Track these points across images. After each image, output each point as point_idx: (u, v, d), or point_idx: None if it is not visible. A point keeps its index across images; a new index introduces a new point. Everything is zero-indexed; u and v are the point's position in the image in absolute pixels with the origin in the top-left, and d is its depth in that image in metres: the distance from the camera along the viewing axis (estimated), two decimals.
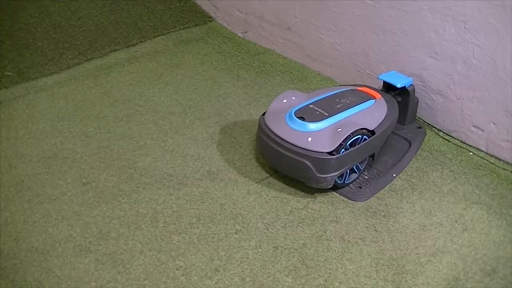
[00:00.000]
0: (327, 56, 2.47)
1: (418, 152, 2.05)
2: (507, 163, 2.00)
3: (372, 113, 1.92)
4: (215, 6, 2.90)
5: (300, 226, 1.75)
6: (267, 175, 1.95)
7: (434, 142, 2.11)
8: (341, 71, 2.44)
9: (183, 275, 1.58)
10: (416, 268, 1.61)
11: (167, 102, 2.32)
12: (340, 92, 2.00)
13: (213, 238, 1.70)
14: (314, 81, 2.48)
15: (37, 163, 1.97)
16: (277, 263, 1.63)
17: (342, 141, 1.77)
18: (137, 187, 1.88)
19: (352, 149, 1.80)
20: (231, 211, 1.80)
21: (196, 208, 1.81)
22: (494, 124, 2.00)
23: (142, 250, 1.66)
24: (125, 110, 2.26)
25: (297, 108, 1.89)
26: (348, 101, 1.92)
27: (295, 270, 1.61)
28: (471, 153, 2.06)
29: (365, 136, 1.84)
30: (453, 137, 2.13)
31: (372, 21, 2.22)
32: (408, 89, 2.06)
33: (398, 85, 2.03)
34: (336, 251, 1.67)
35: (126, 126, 2.17)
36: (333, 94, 1.98)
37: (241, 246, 1.68)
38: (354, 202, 1.84)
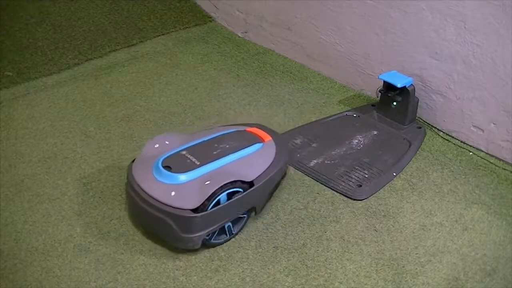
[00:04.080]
0: (327, 56, 2.47)
1: (418, 152, 2.05)
2: (507, 163, 2.00)
3: (255, 160, 1.71)
4: (215, 6, 2.90)
5: (300, 226, 1.75)
6: None
7: (434, 142, 2.11)
8: (341, 71, 2.44)
9: (183, 275, 1.58)
10: (416, 268, 1.61)
11: (167, 102, 2.32)
12: (222, 134, 1.78)
13: None
14: (314, 81, 2.48)
15: (37, 163, 1.97)
16: (277, 263, 1.63)
17: (209, 197, 1.56)
18: None
19: (221, 205, 1.59)
20: None
21: None
22: (494, 124, 2.00)
23: (142, 250, 1.66)
24: (125, 110, 2.26)
25: (167, 155, 1.67)
26: (227, 146, 1.71)
27: (295, 270, 1.60)
28: (471, 153, 2.06)
29: (240, 189, 1.63)
30: (453, 137, 2.13)
31: (372, 21, 2.22)
32: (408, 89, 2.06)
33: (398, 85, 2.04)
34: (336, 251, 1.67)
35: (126, 126, 2.17)
36: (213, 138, 1.76)
37: (241, 246, 1.68)
38: (354, 202, 1.84)
